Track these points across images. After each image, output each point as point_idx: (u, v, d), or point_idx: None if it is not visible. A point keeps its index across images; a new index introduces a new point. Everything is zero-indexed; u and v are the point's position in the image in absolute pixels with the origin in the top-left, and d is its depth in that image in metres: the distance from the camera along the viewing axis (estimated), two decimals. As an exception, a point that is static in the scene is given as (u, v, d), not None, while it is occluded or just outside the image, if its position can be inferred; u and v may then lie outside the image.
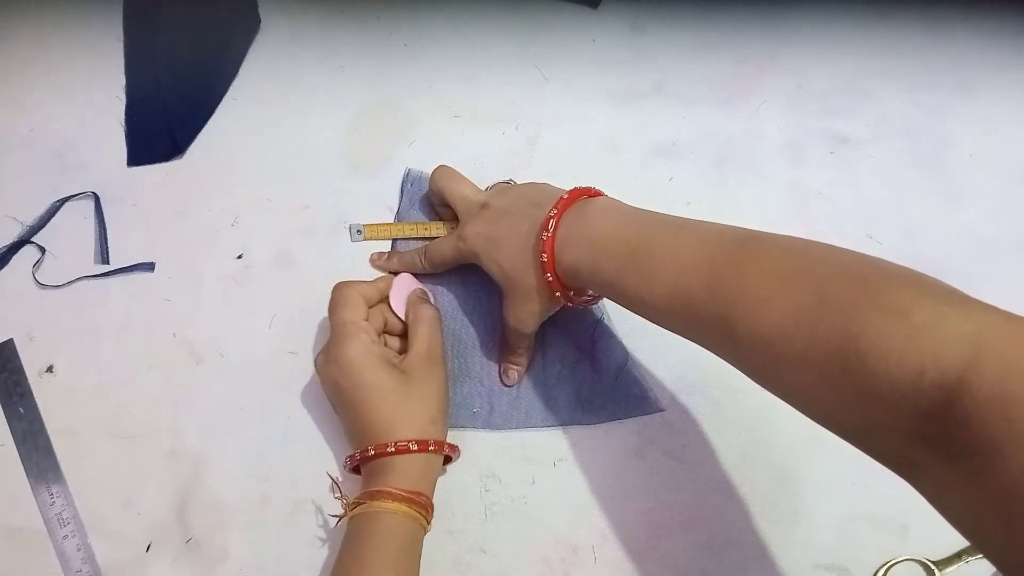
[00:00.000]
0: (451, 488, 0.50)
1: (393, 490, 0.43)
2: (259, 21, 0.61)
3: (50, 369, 0.53)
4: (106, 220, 0.56)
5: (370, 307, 0.49)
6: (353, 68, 0.60)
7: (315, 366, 0.48)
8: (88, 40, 0.61)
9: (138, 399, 0.52)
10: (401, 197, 0.56)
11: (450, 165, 0.52)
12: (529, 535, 0.49)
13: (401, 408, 0.45)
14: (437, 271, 0.52)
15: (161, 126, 0.59)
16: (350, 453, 0.46)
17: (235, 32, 0.61)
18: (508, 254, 0.45)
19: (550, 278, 0.43)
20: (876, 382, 0.29)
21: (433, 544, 0.48)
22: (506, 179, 0.55)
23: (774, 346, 0.33)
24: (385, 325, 0.50)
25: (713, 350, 0.38)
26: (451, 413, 0.51)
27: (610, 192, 0.56)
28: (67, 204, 0.57)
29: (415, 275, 0.53)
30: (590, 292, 0.47)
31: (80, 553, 0.49)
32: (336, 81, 0.59)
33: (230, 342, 0.53)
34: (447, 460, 0.48)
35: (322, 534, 0.49)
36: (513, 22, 0.61)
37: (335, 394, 0.47)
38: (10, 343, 0.53)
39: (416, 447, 0.44)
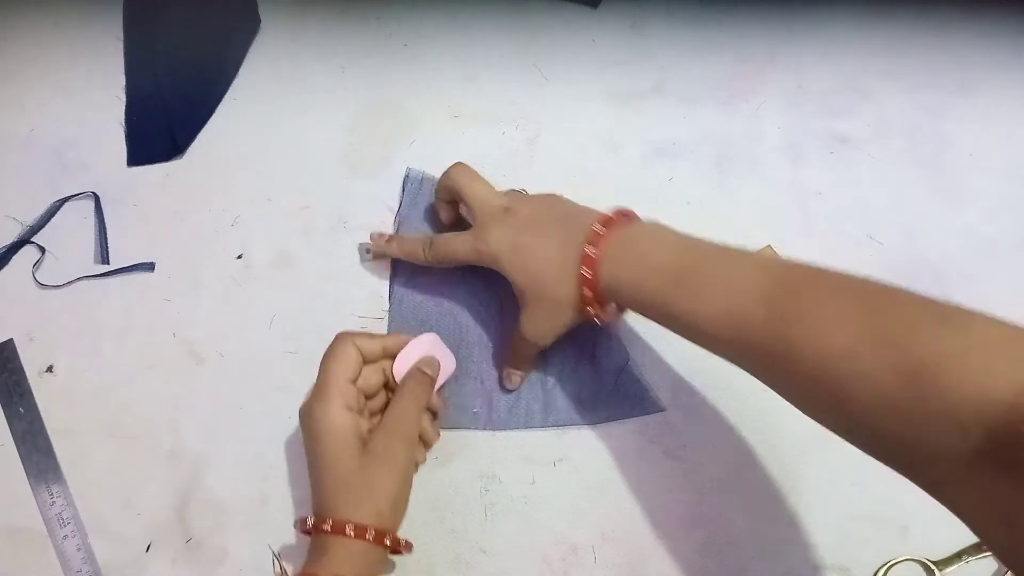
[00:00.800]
0: (451, 488, 0.50)
1: None
2: (259, 21, 0.61)
3: (50, 369, 0.53)
4: (106, 220, 0.56)
5: (369, 362, 0.46)
6: (353, 68, 0.60)
7: (299, 412, 0.45)
8: (88, 40, 0.61)
9: (138, 399, 0.52)
10: (401, 197, 0.56)
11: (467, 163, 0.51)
12: (529, 535, 0.49)
13: (348, 489, 0.41)
14: (440, 266, 0.50)
15: (161, 126, 0.59)
16: (304, 515, 0.43)
17: (235, 32, 0.61)
18: (537, 265, 0.44)
19: (589, 294, 0.42)
20: (942, 397, 0.29)
21: (433, 544, 0.48)
22: (519, 188, 0.54)
23: (838, 365, 0.33)
24: (386, 384, 0.47)
25: (762, 373, 0.38)
26: (451, 413, 0.51)
27: (610, 192, 0.56)
28: (67, 204, 0.57)
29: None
30: (617, 310, 0.46)
31: (80, 553, 0.49)
32: (336, 81, 0.59)
33: (230, 342, 0.53)
34: (395, 552, 0.43)
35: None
36: (513, 22, 0.61)
37: (306, 450, 0.44)
38: (10, 343, 0.53)
39: (352, 532, 0.40)
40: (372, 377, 0.46)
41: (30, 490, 0.50)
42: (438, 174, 0.56)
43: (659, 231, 0.43)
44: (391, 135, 0.58)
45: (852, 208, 0.55)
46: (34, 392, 0.52)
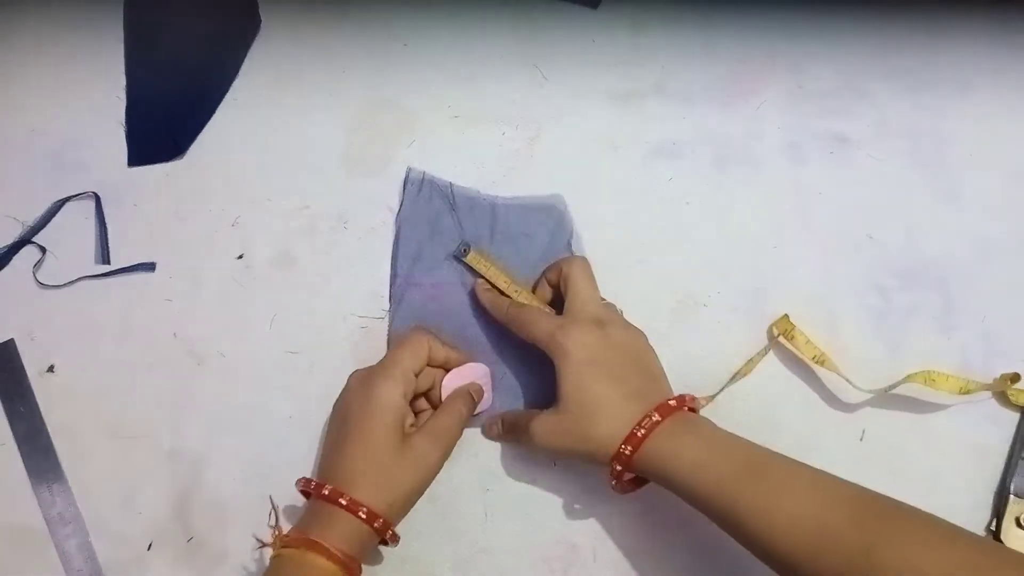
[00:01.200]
0: (451, 488, 0.50)
1: (332, 549, 0.40)
2: (259, 21, 0.61)
3: (50, 369, 0.53)
4: (106, 220, 0.56)
5: (432, 366, 0.48)
6: (353, 68, 0.60)
7: (350, 375, 0.47)
8: (88, 40, 0.61)
9: (138, 399, 0.52)
10: (402, 197, 0.56)
11: (587, 262, 0.50)
12: (529, 535, 0.49)
13: (377, 472, 0.43)
14: (511, 327, 0.49)
15: (161, 126, 0.59)
16: (308, 477, 0.44)
17: (235, 32, 0.61)
18: (599, 391, 0.43)
19: (627, 452, 0.41)
20: None
21: (433, 544, 0.49)
22: (617, 306, 0.51)
23: None
24: (429, 390, 0.48)
25: None
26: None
27: (610, 192, 0.57)
28: (67, 204, 0.57)
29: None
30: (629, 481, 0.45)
31: (81, 552, 0.49)
32: (336, 81, 0.59)
33: (230, 342, 0.53)
34: (383, 543, 0.44)
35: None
36: (513, 22, 0.61)
37: (341, 414, 0.46)
38: (10, 343, 0.53)
39: (364, 515, 0.41)
40: (424, 380, 0.48)
41: (31, 490, 0.50)
42: (438, 174, 0.56)
43: (732, 433, 0.42)
44: (391, 135, 0.58)
45: (852, 208, 0.55)
46: (35, 392, 0.52)
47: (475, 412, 0.49)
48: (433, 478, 0.45)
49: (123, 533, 0.49)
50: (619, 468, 0.42)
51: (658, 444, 0.41)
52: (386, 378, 0.45)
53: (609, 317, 0.47)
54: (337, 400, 0.48)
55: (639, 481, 0.45)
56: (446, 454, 0.46)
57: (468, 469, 0.50)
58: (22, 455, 0.51)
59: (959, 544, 0.34)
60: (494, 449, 0.50)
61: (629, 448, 0.41)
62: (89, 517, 0.50)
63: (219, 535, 0.49)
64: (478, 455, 0.50)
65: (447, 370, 0.49)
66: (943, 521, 0.36)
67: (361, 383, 0.46)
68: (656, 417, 0.42)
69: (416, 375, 0.46)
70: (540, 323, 0.47)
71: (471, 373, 0.49)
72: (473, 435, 0.51)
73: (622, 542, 0.48)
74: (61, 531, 0.49)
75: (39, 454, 0.51)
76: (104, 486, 0.50)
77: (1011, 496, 0.48)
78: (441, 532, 0.49)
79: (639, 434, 0.41)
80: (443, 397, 0.48)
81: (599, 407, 0.43)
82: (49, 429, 0.51)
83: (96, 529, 0.49)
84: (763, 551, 0.38)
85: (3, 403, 0.52)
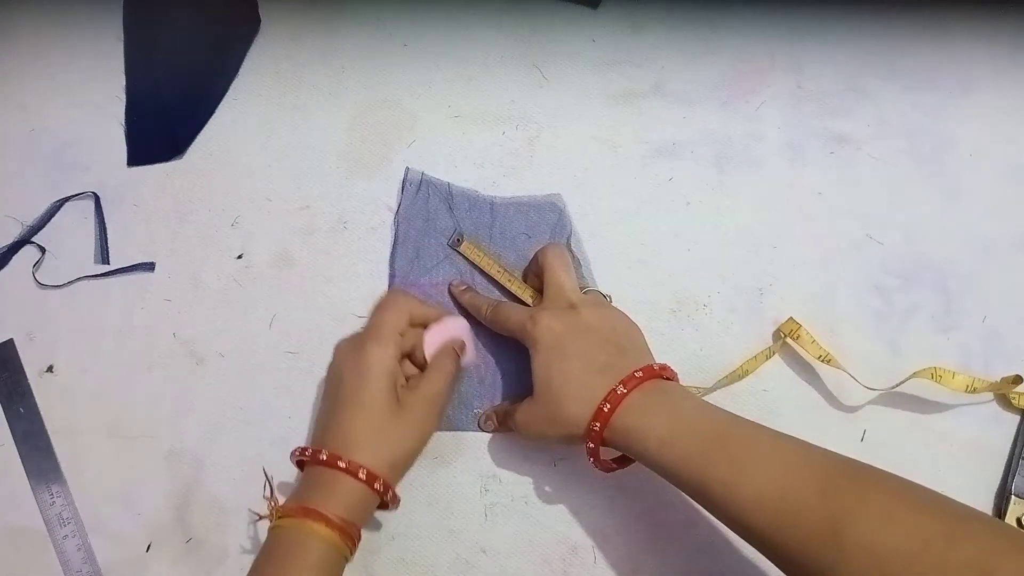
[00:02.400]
0: (451, 488, 0.50)
1: (331, 516, 0.40)
2: (259, 21, 0.61)
3: (50, 369, 0.53)
4: (106, 220, 0.56)
5: (411, 325, 0.48)
6: (353, 68, 0.60)
7: (335, 347, 0.47)
8: (88, 40, 0.61)
9: (138, 399, 0.52)
10: (401, 197, 0.56)
11: (563, 248, 0.51)
12: (529, 535, 0.49)
13: (375, 433, 0.43)
14: (493, 328, 0.50)
15: (161, 126, 0.59)
16: (304, 446, 0.44)
17: (235, 32, 0.61)
18: (565, 374, 0.43)
19: (596, 428, 0.41)
20: None
21: (433, 544, 0.49)
22: (605, 293, 0.53)
23: (892, 564, 0.32)
24: (412, 351, 0.48)
25: (799, 556, 0.35)
26: (451, 413, 0.51)
27: (610, 192, 0.57)
28: (67, 204, 0.57)
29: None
30: (613, 460, 0.45)
31: (80, 553, 0.49)
32: (336, 81, 0.59)
33: (230, 342, 0.53)
34: (383, 506, 0.45)
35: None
36: (513, 22, 0.61)
37: (333, 382, 0.46)
38: (10, 343, 0.53)
39: (364, 476, 0.42)
40: (407, 341, 0.48)
41: (30, 490, 0.50)
42: (438, 174, 0.56)
43: (692, 394, 0.43)
44: (391, 135, 0.58)
45: (852, 208, 0.55)
46: (34, 392, 0.52)
47: (461, 367, 0.49)
48: (429, 438, 0.46)
49: (122, 533, 0.49)
50: (591, 445, 0.42)
51: (627, 421, 0.41)
52: (376, 342, 0.45)
53: (583, 300, 0.47)
54: (328, 372, 0.48)
55: (624, 461, 0.45)
56: (441, 412, 0.46)
57: (468, 469, 0.50)
58: (21, 455, 0.51)
59: (928, 513, 0.33)
60: (494, 449, 0.50)
61: (598, 424, 0.41)
62: (88, 517, 0.50)
63: (219, 535, 0.49)
64: (478, 455, 0.50)
65: (423, 319, 0.48)
66: (914, 487, 0.35)
67: (351, 349, 0.45)
68: (622, 389, 0.41)
69: (401, 335, 0.46)
70: (512, 316, 0.47)
71: (450, 327, 0.49)
72: (472, 436, 0.51)
73: (622, 542, 0.48)
74: (60, 531, 0.49)
75: (39, 454, 0.51)
76: (104, 486, 0.50)
77: (1012, 496, 0.48)
78: (441, 532, 0.49)
79: (605, 409, 0.41)
80: (427, 354, 0.48)
81: (567, 387, 0.43)
82: (49, 429, 0.51)
83: (95, 529, 0.49)
84: (734, 525, 0.39)
85: (3, 403, 0.52)
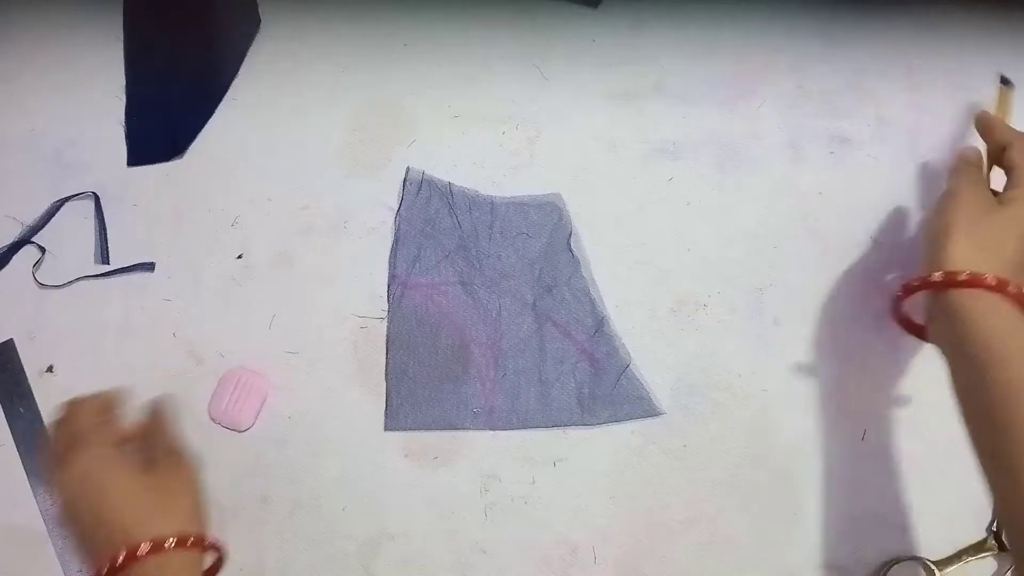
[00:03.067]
0: (451, 488, 0.50)
1: None
2: (259, 21, 0.61)
3: (50, 369, 0.53)
4: (106, 220, 0.56)
5: (105, 417, 0.44)
6: (353, 68, 0.60)
7: (51, 490, 0.43)
8: (88, 40, 0.61)
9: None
10: (401, 197, 0.56)
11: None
12: (529, 535, 0.49)
13: (151, 506, 0.40)
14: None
15: (161, 126, 0.59)
16: (91, 572, 0.39)
17: (235, 32, 0.61)
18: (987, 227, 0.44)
19: (937, 278, 0.42)
20: None
21: (433, 544, 0.49)
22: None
23: None
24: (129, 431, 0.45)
25: None
26: (451, 413, 0.51)
27: (610, 192, 0.56)
28: (67, 204, 0.57)
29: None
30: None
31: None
32: (336, 81, 0.59)
33: (230, 342, 0.53)
34: (214, 569, 0.42)
35: (322, 533, 0.49)
36: (513, 22, 0.61)
37: (74, 511, 0.40)
38: (10, 343, 0.53)
39: (175, 541, 0.38)
40: (112, 429, 0.44)
41: (30, 490, 0.50)
42: (438, 174, 0.56)
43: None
44: (391, 135, 0.58)
45: (852, 208, 0.55)
46: (34, 392, 0.52)
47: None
48: (197, 483, 0.43)
49: (123, 533, 0.49)
50: (917, 285, 0.43)
51: (974, 303, 0.41)
52: (75, 450, 0.41)
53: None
54: (62, 520, 0.42)
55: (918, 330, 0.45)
56: (187, 458, 0.44)
57: (468, 469, 0.50)
58: (22, 455, 0.51)
59: None
60: (494, 449, 0.50)
61: (941, 277, 0.42)
62: (89, 517, 0.50)
63: (218, 535, 0.49)
64: (478, 455, 0.50)
65: (105, 408, 0.44)
66: None
67: (61, 479, 0.41)
68: (991, 281, 0.41)
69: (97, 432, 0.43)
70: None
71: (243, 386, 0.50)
72: (473, 436, 0.51)
73: (622, 542, 0.48)
74: (60, 531, 0.49)
75: (39, 454, 0.51)
76: (104, 486, 0.50)
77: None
78: (441, 532, 0.49)
79: (962, 278, 0.41)
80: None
81: (975, 238, 0.43)
82: (48, 429, 0.51)
83: (96, 529, 0.49)
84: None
85: (3, 403, 0.52)
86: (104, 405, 0.45)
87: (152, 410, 0.46)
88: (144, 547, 0.38)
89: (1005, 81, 0.54)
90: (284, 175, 0.57)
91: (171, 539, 0.38)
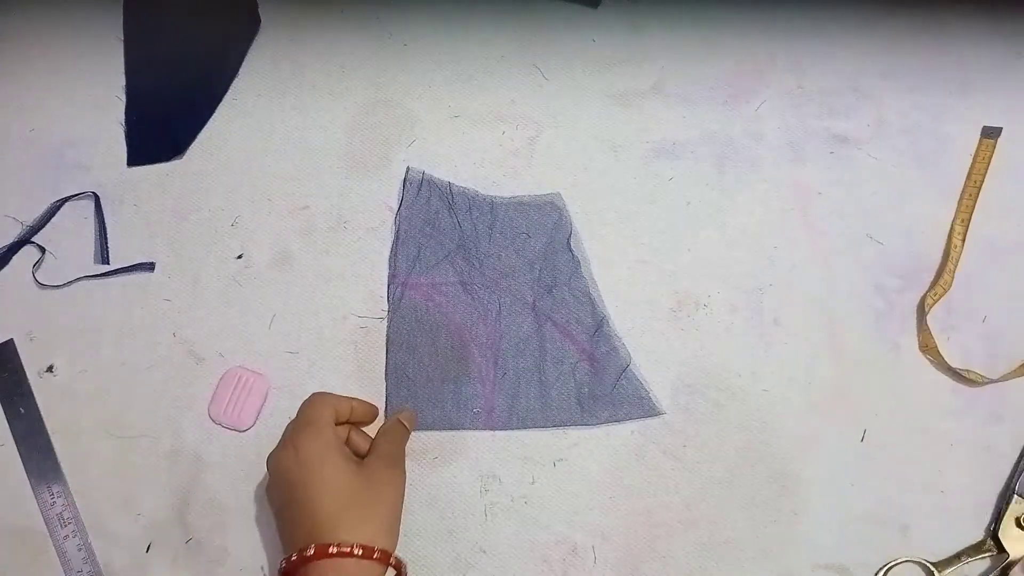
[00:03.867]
0: (451, 488, 0.50)
1: None
2: (259, 21, 0.61)
3: (50, 369, 0.53)
4: (106, 220, 0.56)
5: (339, 423, 0.46)
6: (353, 68, 0.60)
7: (267, 464, 0.45)
8: (88, 40, 0.61)
9: (138, 399, 0.52)
10: (401, 197, 0.56)
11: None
12: (529, 535, 0.49)
13: (352, 509, 0.41)
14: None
15: (160, 126, 0.59)
16: (287, 555, 0.41)
17: (235, 32, 0.61)
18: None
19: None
20: None
21: (433, 544, 0.49)
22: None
23: None
24: (348, 441, 0.47)
25: None
26: (451, 413, 0.51)
27: (610, 192, 0.57)
28: (67, 204, 0.57)
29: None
30: None
31: (81, 553, 0.49)
32: (336, 81, 0.59)
33: (230, 342, 0.53)
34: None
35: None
36: (513, 22, 0.61)
37: (284, 491, 0.43)
38: (10, 343, 0.53)
39: (360, 552, 0.39)
40: (341, 432, 0.47)
41: (30, 490, 0.50)
42: (438, 174, 0.56)
43: None
44: (391, 135, 0.58)
45: (852, 208, 0.55)
46: (34, 392, 0.52)
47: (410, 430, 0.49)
48: (403, 491, 0.45)
49: (122, 533, 0.49)
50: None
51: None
52: (310, 428, 0.43)
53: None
54: (270, 488, 0.45)
55: None
56: (403, 466, 0.46)
57: (468, 469, 0.50)
58: (22, 455, 0.51)
59: None
60: (494, 449, 0.50)
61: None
62: (89, 518, 0.50)
63: (218, 536, 0.49)
64: (478, 455, 0.50)
65: (352, 422, 0.48)
66: None
67: (284, 454, 0.43)
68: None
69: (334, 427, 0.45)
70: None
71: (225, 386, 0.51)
72: (473, 436, 0.51)
73: (622, 542, 0.48)
74: (60, 532, 0.49)
75: (39, 454, 0.51)
76: (104, 487, 0.50)
77: (1015, 496, 0.48)
78: (441, 532, 0.49)
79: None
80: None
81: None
82: (49, 429, 0.51)
83: (95, 529, 0.49)
84: None
85: (3, 403, 0.52)
86: (351, 411, 0.47)
87: (397, 416, 0.48)
88: (333, 549, 0.39)
89: (988, 133, 0.54)
90: (284, 175, 0.57)
91: (358, 547, 0.40)
